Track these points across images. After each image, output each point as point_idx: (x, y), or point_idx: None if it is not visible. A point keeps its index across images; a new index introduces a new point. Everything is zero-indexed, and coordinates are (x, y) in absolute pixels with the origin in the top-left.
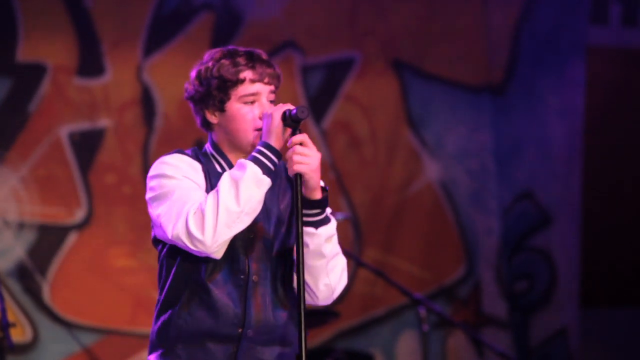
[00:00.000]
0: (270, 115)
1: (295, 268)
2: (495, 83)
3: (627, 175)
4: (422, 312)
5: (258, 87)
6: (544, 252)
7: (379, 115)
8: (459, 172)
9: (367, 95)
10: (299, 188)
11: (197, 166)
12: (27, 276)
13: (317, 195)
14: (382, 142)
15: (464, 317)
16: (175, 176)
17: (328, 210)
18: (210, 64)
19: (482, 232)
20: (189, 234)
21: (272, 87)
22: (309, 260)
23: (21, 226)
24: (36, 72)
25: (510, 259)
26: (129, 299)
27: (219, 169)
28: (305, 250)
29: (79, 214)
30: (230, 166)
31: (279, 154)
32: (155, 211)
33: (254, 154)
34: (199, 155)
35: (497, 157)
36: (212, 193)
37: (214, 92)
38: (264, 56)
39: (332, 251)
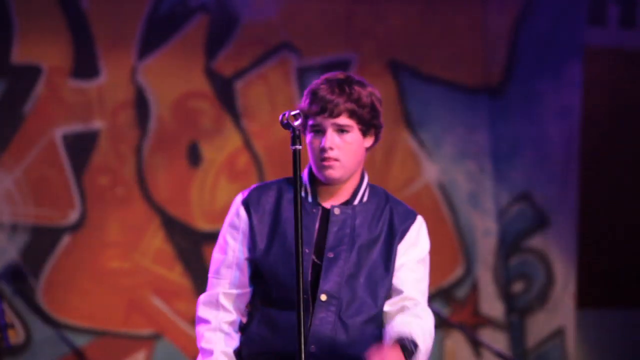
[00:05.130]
0: None
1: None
2: (493, 84)
3: (624, 176)
4: None
5: (319, 119)
6: (541, 253)
7: None
8: (457, 174)
9: None
10: (297, 163)
11: (243, 216)
12: (20, 278)
13: None
14: (380, 144)
15: (462, 318)
16: (225, 236)
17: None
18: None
19: (479, 233)
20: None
21: (336, 120)
22: None
23: (14, 228)
24: (31, 73)
25: (507, 260)
26: (122, 300)
27: (304, 194)
28: None
29: (73, 216)
30: (314, 192)
31: None
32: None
33: None
34: (281, 184)
35: (495, 159)
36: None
37: (302, 121)
38: (340, 84)
39: None
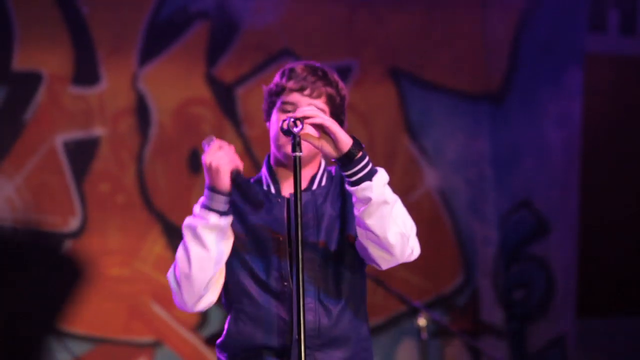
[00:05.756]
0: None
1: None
2: (493, 91)
3: (625, 183)
4: (421, 320)
5: (296, 97)
6: (541, 260)
7: (377, 123)
8: (457, 181)
9: (365, 103)
10: (298, 169)
11: None
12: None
13: (349, 142)
14: (381, 150)
15: (462, 326)
16: None
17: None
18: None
19: (480, 241)
20: (173, 294)
21: (314, 101)
22: (375, 214)
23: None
24: (32, 80)
25: (508, 268)
26: (122, 307)
27: (265, 188)
28: (367, 207)
29: (73, 223)
30: (275, 182)
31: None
32: None
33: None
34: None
35: (495, 165)
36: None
37: (267, 99)
38: (320, 70)
39: (392, 196)
